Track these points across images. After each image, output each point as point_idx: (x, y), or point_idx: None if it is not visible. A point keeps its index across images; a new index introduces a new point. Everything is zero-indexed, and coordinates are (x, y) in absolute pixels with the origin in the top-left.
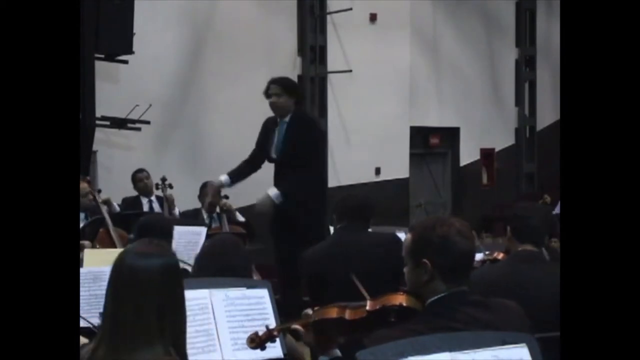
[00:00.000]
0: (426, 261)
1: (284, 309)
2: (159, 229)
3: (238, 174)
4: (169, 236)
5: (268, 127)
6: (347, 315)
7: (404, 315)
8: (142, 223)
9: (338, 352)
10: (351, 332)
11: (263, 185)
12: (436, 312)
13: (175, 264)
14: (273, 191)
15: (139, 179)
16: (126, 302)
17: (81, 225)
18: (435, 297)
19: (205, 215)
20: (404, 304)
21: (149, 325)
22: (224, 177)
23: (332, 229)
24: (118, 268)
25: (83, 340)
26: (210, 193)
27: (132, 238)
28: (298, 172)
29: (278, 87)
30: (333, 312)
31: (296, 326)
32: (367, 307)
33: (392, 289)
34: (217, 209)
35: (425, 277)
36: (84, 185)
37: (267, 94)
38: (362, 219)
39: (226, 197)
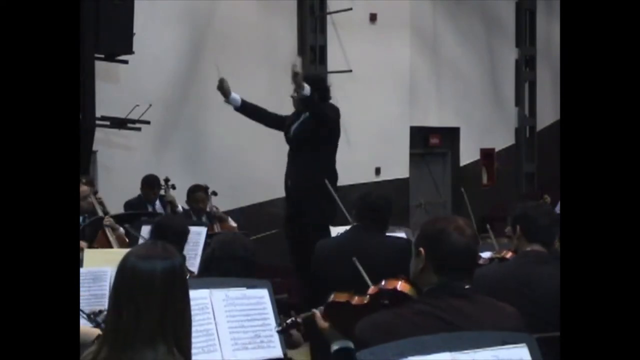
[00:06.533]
0: (421, 249)
1: (285, 308)
2: (174, 230)
3: (253, 109)
4: (183, 237)
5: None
6: (354, 300)
7: (397, 300)
8: (158, 224)
9: (350, 344)
10: (356, 317)
11: (253, 189)
12: (423, 299)
13: (179, 266)
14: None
15: (148, 192)
16: (128, 304)
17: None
18: (427, 288)
19: (194, 218)
20: (398, 289)
21: (150, 327)
22: (236, 96)
23: (332, 229)
24: (121, 270)
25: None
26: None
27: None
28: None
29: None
30: (343, 297)
31: (315, 310)
32: (369, 292)
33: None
34: (207, 208)
35: (420, 265)
36: (84, 189)
37: None
38: (379, 220)
39: (214, 193)
